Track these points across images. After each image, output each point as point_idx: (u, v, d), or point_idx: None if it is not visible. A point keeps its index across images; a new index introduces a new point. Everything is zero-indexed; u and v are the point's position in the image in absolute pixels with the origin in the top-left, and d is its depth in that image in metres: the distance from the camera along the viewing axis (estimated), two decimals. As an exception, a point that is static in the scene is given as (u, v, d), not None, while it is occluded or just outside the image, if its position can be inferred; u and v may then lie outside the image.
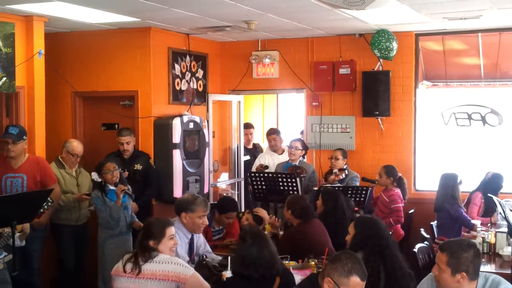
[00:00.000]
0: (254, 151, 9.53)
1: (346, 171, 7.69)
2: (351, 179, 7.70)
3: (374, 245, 4.38)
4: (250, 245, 4.03)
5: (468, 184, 7.49)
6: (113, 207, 6.14)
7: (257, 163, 8.39)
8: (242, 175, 9.13)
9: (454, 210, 6.74)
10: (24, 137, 6.18)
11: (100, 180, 6.19)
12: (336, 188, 6.76)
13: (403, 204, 7.29)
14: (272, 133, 8.69)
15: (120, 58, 7.77)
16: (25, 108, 6.74)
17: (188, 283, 4.17)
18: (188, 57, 8.33)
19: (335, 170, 7.62)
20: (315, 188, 7.46)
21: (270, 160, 8.33)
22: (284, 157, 8.27)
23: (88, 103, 8.08)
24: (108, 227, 6.23)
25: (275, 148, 8.56)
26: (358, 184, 7.59)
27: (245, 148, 9.41)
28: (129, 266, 4.22)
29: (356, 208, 6.58)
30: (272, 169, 8.06)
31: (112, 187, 6.22)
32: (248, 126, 9.62)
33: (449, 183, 6.88)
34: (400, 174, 7.47)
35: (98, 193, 6.20)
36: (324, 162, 8.52)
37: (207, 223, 5.43)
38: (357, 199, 6.95)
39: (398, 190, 7.27)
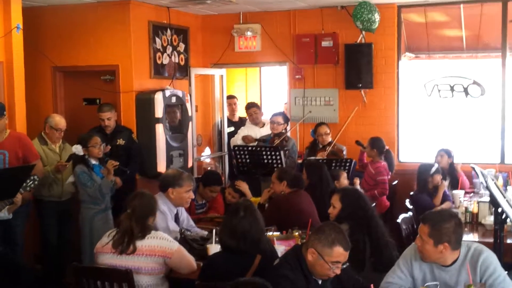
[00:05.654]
0: (240, 124, 9.49)
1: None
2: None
3: (361, 217, 4.45)
4: (242, 217, 3.98)
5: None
6: (103, 183, 6.03)
7: (238, 137, 8.35)
8: (226, 149, 9.10)
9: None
10: (4, 112, 6.09)
11: (83, 153, 6.05)
12: (320, 161, 6.79)
13: (389, 177, 7.35)
14: (252, 107, 8.67)
15: (100, 32, 7.67)
16: (5, 84, 6.64)
17: (173, 257, 4.19)
18: (169, 31, 8.24)
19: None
20: (299, 161, 7.47)
21: (251, 134, 8.31)
22: (265, 130, 8.26)
23: (68, 78, 7.98)
24: (94, 203, 6.12)
25: (256, 121, 8.54)
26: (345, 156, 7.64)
27: (231, 121, 9.35)
28: (115, 243, 4.17)
29: None
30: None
31: (95, 162, 6.14)
32: (230, 96, 9.50)
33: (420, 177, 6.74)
34: (387, 147, 7.50)
35: (83, 167, 6.03)
36: (308, 135, 8.51)
37: (193, 196, 5.45)
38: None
39: (384, 163, 7.33)
